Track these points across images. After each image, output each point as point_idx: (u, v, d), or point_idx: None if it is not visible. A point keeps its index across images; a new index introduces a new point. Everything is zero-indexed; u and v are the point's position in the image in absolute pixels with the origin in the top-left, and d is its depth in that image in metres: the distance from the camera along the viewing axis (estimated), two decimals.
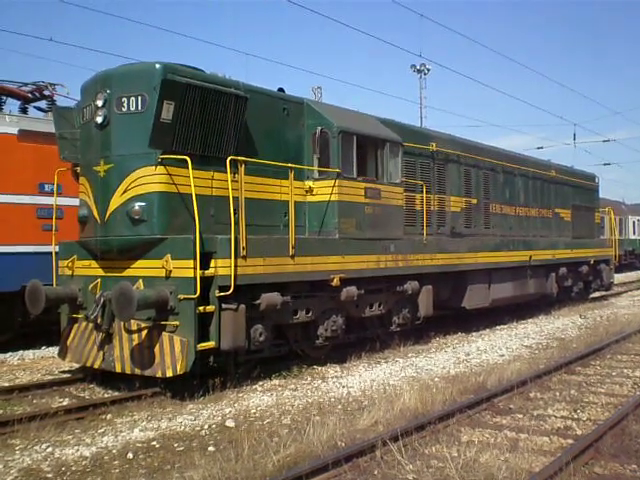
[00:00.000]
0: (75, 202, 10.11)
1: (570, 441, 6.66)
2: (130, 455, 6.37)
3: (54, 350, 11.33)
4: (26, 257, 12.00)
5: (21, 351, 12.31)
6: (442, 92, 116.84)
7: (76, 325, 9.67)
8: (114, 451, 6.53)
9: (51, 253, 10.34)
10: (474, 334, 14.65)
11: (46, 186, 12.22)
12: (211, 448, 6.50)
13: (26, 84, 13.95)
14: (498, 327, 15.84)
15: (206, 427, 7.29)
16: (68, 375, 10.22)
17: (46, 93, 13.90)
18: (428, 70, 40.94)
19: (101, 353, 9.11)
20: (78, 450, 6.56)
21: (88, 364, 9.38)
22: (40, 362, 11.52)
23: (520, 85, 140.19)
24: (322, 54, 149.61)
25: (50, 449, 6.62)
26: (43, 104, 14.00)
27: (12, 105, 13.89)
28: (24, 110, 13.83)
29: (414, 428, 6.69)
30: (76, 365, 10.20)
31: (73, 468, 6.09)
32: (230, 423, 7.36)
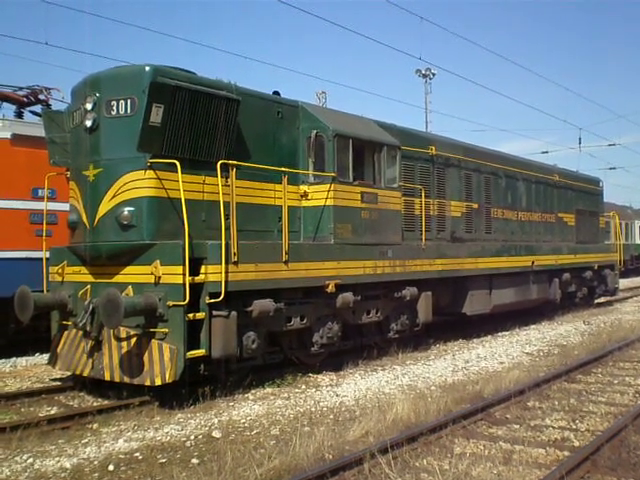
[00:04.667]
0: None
1: (567, 453, 6.45)
2: (111, 467, 6.18)
3: (47, 357, 11.15)
4: (19, 263, 11.85)
5: (14, 358, 12.14)
6: (447, 97, 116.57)
7: (66, 332, 9.50)
8: (95, 462, 6.34)
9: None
10: (475, 341, 14.43)
11: (40, 191, 12.03)
12: (194, 460, 6.30)
13: (21, 88, 13.84)
14: (500, 333, 15.60)
15: (192, 438, 7.09)
16: (59, 383, 10.06)
17: (41, 97, 13.78)
18: (433, 75, 40.78)
19: (90, 361, 8.94)
20: (59, 461, 6.39)
21: (77, 372, 9.22)
22: (32, 369, 11.36)
23: (525, 89, 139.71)
24: (326, 59, 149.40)
25: (31, 460, 6.46)
26: (38, 108, 13.88)
27: (7, 109, 13.83)
28: (19, 114, 13.71)
29: (405, 439, 6.47)
30: (67, 373, 10.03)
31: None
32: (217, 434, 7.16)
